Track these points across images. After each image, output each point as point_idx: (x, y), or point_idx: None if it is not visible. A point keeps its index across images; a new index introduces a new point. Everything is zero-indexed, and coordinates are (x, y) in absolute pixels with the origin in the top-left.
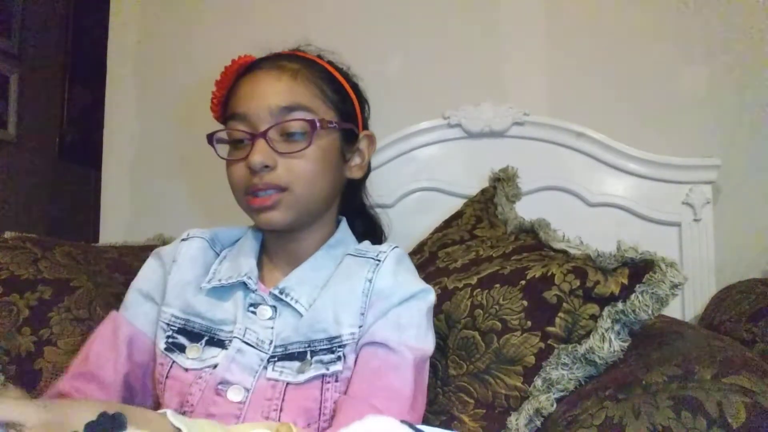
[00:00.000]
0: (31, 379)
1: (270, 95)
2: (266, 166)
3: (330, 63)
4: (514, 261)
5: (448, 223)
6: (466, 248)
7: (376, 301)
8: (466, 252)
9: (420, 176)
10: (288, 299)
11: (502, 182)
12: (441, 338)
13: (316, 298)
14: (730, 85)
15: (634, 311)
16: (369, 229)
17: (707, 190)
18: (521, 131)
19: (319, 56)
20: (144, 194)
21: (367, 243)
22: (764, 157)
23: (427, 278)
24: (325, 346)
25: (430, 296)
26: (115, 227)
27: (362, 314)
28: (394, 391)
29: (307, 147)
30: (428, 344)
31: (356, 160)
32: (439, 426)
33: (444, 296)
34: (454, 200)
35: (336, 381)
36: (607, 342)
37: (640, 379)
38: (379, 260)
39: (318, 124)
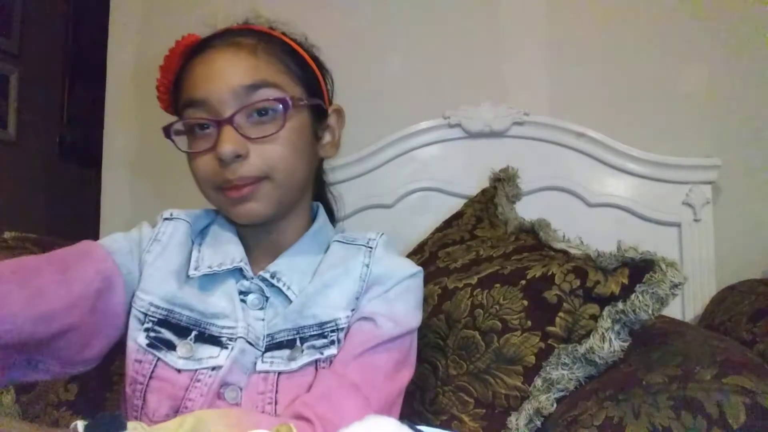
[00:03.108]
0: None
1: (230, 75)
2: (238, 156)
3: (285, 34)
4: (514, 261)
5: (448, 223)
6: (466, 248)
7: (372, 286)
8: (467, 252)
9: (420, 176)
10: (280, 284)
11: (503, 182)
12: (441, 338)
13: (307, 285)
14: (730, 85)
15: (634, 311)
16: (328, 213)
17: (707, 190)
18: (521, 131)
19: (271, 28)
20: (144, 194)
21: (349, 231)
22: (764, 157)
23: (428, 278)
24: (315, 332)
25: (421, 276)
26: (115, 227)
27: (357, 299)
28: (371, 366)
29: (281, 129)
30: (415, 320)
31: (327, 138)
32: (439, 426)
33: (444, 296)
34: (454, 200)
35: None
36: (607, 342)
37: (640, 380)
38: (371, 247)
39: (290, 102)
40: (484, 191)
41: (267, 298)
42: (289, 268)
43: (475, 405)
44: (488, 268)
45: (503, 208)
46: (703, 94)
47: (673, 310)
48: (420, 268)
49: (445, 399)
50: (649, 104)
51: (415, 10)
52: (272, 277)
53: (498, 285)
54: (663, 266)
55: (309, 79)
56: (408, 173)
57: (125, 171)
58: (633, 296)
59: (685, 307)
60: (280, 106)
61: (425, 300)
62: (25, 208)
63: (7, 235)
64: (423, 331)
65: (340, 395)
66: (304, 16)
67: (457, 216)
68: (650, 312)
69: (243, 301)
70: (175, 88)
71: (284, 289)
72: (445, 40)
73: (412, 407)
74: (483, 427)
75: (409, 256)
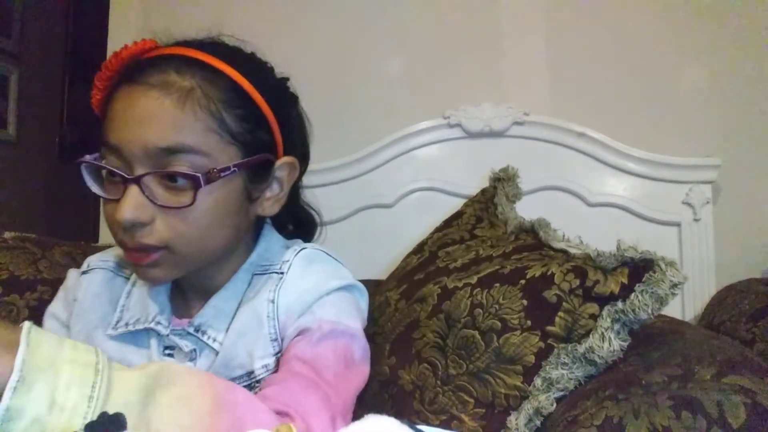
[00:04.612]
0: None
1: (147, 129)
2: (140, 222)
3: (243, 63)
4: (514, 260)
5: (448, 223)
6: (466, 248)
7: (286, 321)
8: (466, 252)
9: (420, 176)
10: (205, 338)
11: (502, 182)
12: (440, 338)
13: (227, 331)
14: (730, 85)
15: (633, 311)
16: (299, 228)
17: (707, 190)
18: (521, 131)
19: (236, 49)
20: None
21: (279, 252)
22: (764, 157)
23: (427, 278)
24: (246, 382)
25: (353, 291)
26: None
27: (275, 340)
28: (317, 360)
29: (192, 203)
30: (353, 322)
31: (274, 190)
32: (438, 426)
33: (444, 296)
34: (454, 200)
35: None
36: (606, 341)
37: (640, 379)
38: (282, 272)
39: (203, 181)
40: (483, 191)
41: (194, 349)
42: (215, 315)
43: (475, 405)
44: (488, 268)
45: (503, 208)
46: (703, 94)
47: (673, 310)
48: (350, 283)
49: (445, 399)
50: (649, 104)
51: (415, 10)
52: (196, 330)
53: (498, 284)
54: (662, 266)
55: (255, 131)
56: (408, 173)
57: None
58: (632, 296)
59: (685, 307)
60: (191, 182)
61: (424, 300)
62: (25, 208)
63: (7, 235)
64: (422, 330)
65: (302, 392)
66: (305, 16)
67: (457, 216)
68: (650, 311)
69: (170, 355)
70: (105, 105)
71: (210, 342)
72: (445, 40)
73: (412, 407)
74: (483, 427)
75: (409, 256)
